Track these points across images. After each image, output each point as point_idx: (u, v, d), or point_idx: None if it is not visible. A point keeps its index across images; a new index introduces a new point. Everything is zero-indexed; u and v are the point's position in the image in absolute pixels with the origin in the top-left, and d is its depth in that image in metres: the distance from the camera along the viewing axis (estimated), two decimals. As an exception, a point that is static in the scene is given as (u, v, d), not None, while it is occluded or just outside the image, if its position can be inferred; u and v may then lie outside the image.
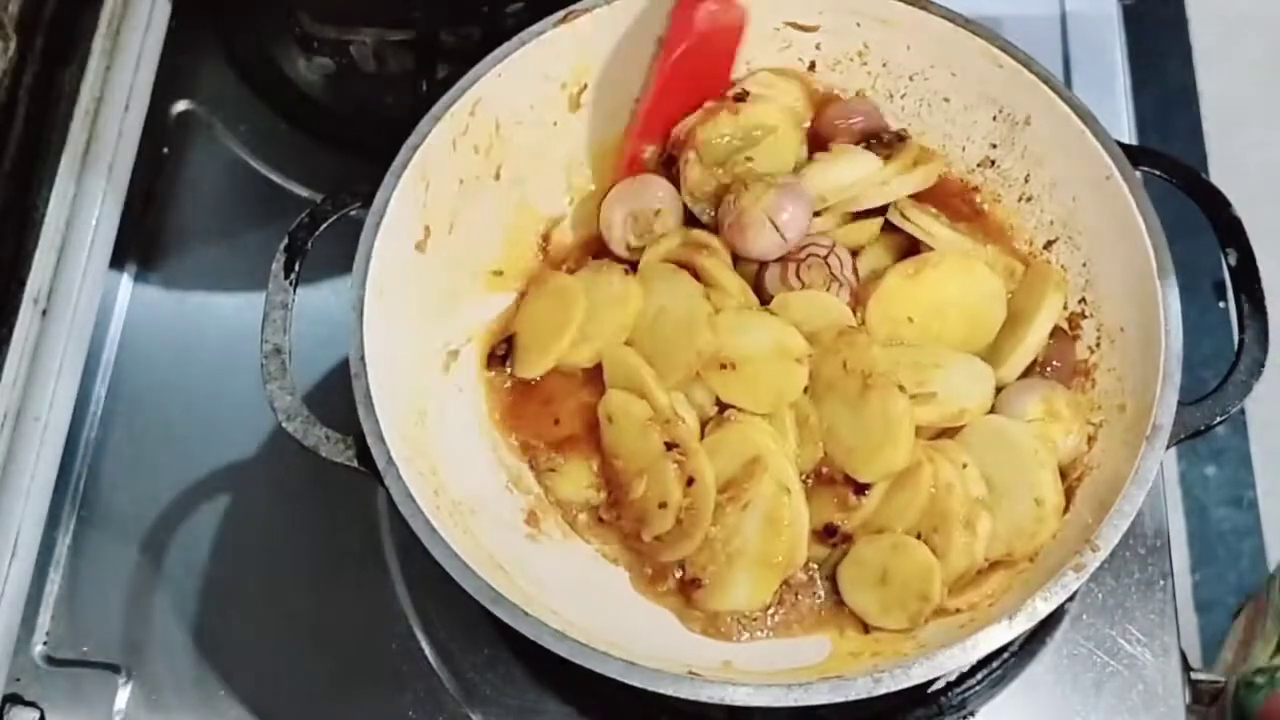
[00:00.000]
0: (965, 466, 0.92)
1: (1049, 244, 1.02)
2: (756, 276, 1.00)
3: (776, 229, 0.97)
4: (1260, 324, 0.93)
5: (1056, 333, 0.99)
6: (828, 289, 0.98)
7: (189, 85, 1.29)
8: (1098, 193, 0.98)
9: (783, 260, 0.99)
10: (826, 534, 0.93)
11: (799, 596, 0.94)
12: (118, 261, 1.20)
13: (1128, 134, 1.25)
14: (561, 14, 1.02)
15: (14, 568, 1.06)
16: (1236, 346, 0.93)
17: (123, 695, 1.04)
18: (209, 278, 1.20)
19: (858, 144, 1.03)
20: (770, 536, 0.92)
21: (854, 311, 0.98)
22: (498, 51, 1.00)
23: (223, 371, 1.15)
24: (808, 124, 1.07)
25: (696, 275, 0.99)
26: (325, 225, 0.96)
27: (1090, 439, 0.95)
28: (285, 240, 0.95)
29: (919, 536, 0.92)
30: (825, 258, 0.98)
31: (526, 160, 1.05)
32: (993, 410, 0.96)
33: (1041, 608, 0.83)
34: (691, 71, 1.02)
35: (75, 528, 1.10)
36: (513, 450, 1.00)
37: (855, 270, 1.00)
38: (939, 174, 1.03)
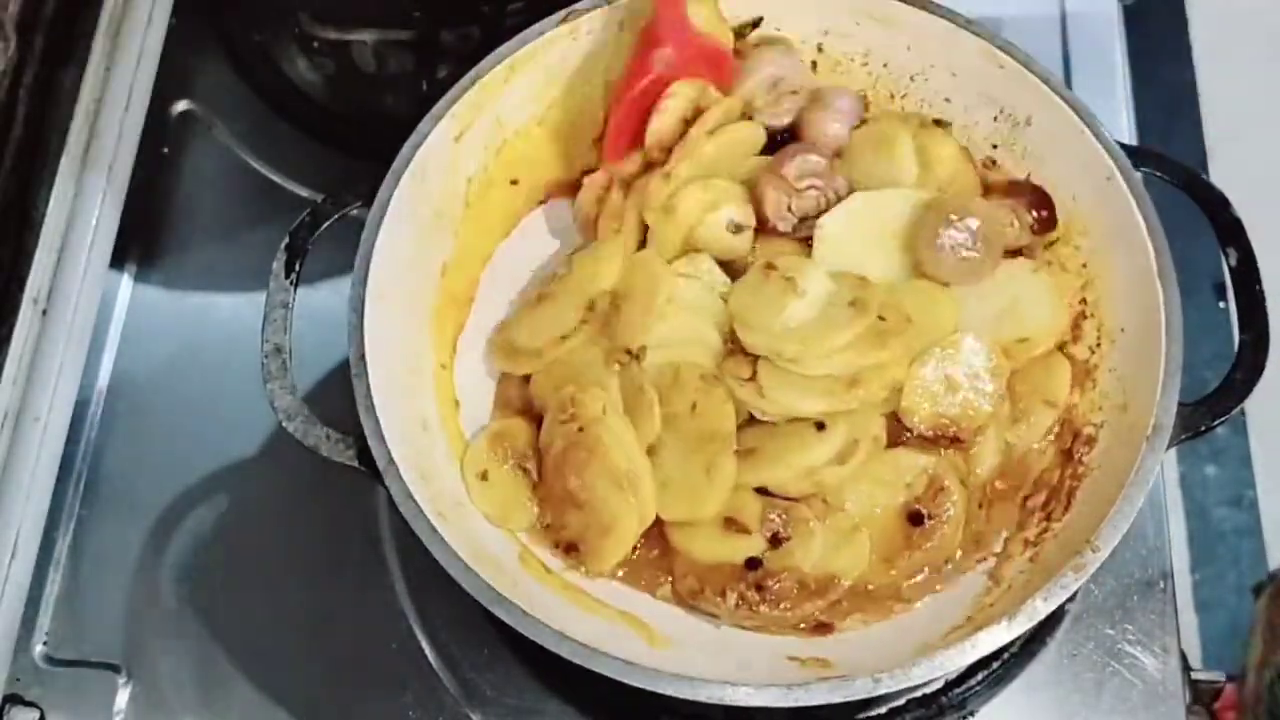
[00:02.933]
0: None
1: (1049, 244, 1.02)
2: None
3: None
4: (1260, 325, 0.93)
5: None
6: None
7: (189, 85, 1.29)
8: (1098, 193, 0.98)
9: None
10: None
11: None
12: (118, 261, 1.20)
13: (1128, 134, 1.25)
14: (562, 14, 1.02)
15: (14, 568, 1.06)
16: (1237, 347, 0.93)
17: (123, 695, 1.04)
18: (209, 278, 1.20)
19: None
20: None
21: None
22: (499, 51, 1.01)
23: (223, 371, 1.15)
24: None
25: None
26: (326, 225, 0.96)
27: (1091, 439, 0.95)
28: (286, 239, 0.95)
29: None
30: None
31: (528, 160, 1.06)
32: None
33: (1041, 608, 0.83)
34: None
35: (75, 528, 1.10)
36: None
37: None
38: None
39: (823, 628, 0.92)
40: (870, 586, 0.93)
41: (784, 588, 0.92)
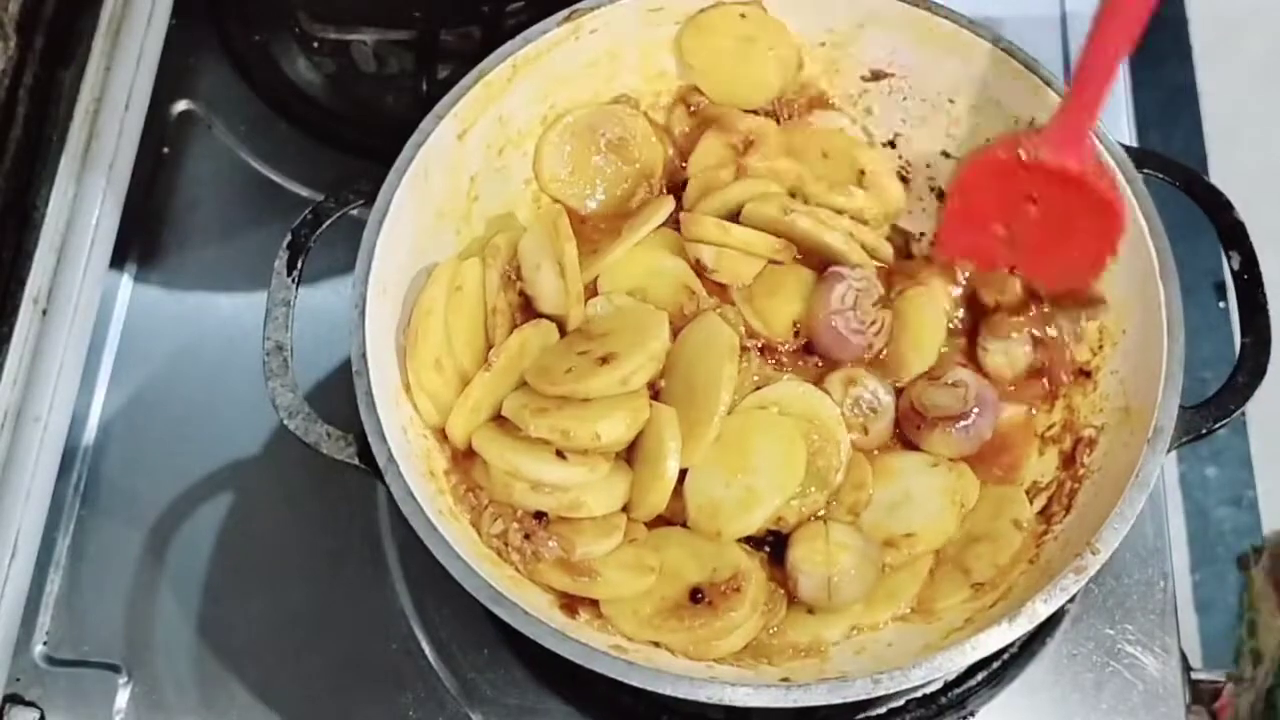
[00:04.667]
0: None
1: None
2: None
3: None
4: (1262, 327, 0.93)
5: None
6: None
7: (189, 85, 1.29)
8: (1099, 194, 0.98)
9: None
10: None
11: None
12: (118, 261, 1.20)
13: (1128, 134, 1.25)
14: (563, 14, 1.02)
15: (14, 568, 1.06)
16: (1238, 349, 0.93)
17: (123, 695, 1.04)
18: (209, 278, 1.20)
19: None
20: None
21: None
22: (502, 49, 1.00)
23: (223, 371, 1.15)
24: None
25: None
26: (328, 223, 0.96)
27: (1092, 442, 0.95)
28: (288, 237, 0.95)
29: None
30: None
31: (530, 159, 1.06)
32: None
33: (1042, 609, 0.83)
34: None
35: (75, 528, 1.10)
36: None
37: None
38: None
39: (569, 606, 0.90)
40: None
41: (548, 552, 0.90)
